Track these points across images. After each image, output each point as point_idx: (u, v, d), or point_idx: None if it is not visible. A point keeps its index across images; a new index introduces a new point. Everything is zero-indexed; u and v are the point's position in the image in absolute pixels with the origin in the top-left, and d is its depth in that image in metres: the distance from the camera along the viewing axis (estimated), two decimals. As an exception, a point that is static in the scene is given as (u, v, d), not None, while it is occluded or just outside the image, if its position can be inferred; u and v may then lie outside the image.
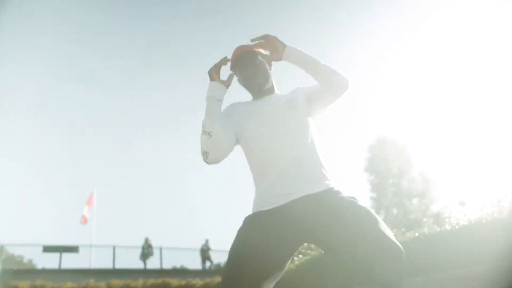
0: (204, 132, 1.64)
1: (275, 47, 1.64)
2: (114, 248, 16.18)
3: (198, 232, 42.72)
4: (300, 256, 4.58)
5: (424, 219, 5.49)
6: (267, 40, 1.65)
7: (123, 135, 37.67)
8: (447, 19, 34.75)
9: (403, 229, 4.35)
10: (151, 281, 11.92)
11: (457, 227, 3.46)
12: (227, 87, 1.77)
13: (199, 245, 19.08)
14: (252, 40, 1.68)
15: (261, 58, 1.74)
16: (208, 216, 39.15)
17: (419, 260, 3.14)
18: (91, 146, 36.03)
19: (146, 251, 16.48)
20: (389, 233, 1.38)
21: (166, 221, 38.39)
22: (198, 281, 13.03)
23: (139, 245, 16.76)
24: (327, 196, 1.53)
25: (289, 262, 1.58)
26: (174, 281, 12.40)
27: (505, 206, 3.90)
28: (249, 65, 1.73)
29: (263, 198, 1.61)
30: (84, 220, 16.90)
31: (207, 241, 19.12)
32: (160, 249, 17.47)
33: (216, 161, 1.69)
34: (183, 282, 12.60)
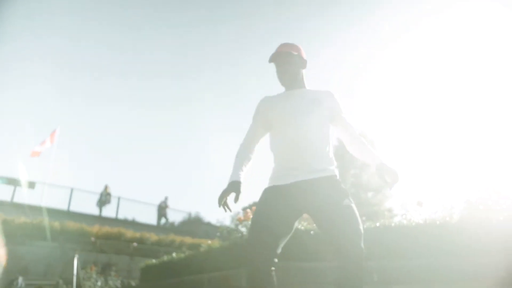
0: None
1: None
2: (71, 190, 15.97)
3: (157, 189, 42.78)
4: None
5: (385, 212, 5.87)
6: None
7: (95, 76, 36.32)
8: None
9: (364, 218, 4.66)
10: (106, 228, 11.98)
11: (413, 224, 3.79)
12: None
13: (157, 201, 19.22)
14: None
15: (295, 58, 2.06)
16: (170, 176, 39.14)
17: (374, 247, 3.45)
18: (54, 83, 34.50)
19: (104, 199, 16.39)
20: (357, 227, 1.79)
21: (129, 173, 38.04)
22: (152, 235, 13.24)
23: (97, 191, 16.66)
24: (328, 182, 1.90)
25: (296, 224, 1.96)
26: (129, 232, 12.53)
27: (456, 213, 4.29)
28: (281, 63, 2.07)
29: (278, 175, 1.96)
30: (35, 154, 15.86)
31: (166, 198, 19.24)
32: (119, 198, 17.43)
33: None
34: (137, 234, 12.75)
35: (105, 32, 35.15)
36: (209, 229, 18.83)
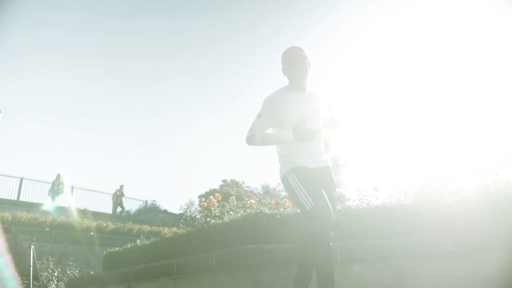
0: (264, 143, 2.50)
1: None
2: (21, 179, 15.18)
3: (112, 178, 41.49)
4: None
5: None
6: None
7: (40, 59, 34.27)
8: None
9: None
10: (62, 218, 11.57)
11: (372, 206, 4.08)
12: None
13: (112, 190, 18.76)
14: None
15: (309, 65, 2.59)
16: (125, 165, 38.06)
17: (337, 229, 3.70)
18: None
19: (57, 188, 15.75)
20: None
21: (81, 162, 36.54)
22: (109, 224, 12.97)
23: (49, 180, 15.95)
24: (331, 171, 2.65)
25: None
26: (85, 221, 12.18)
27: (410, 196, 4.66)
28: (302, 66, 2.52)
29: (301, 161, 2.50)
30: None
31: (121, 186, 18.84)
32: (72, 187, 16.82)
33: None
34: (94, 224, 12.43)
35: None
36: (165, 217, 18.69)
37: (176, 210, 19.57)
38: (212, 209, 5.41)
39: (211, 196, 5.79)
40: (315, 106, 2.56)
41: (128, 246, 6.00)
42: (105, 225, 12.71)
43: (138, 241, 6.00)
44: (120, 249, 6.15)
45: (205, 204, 5.73)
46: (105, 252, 6.43)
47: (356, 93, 39.50)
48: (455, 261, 3.25)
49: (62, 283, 7.95)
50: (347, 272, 3.40)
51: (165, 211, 20.20)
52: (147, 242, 5.65)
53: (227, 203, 5.76)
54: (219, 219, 4.96)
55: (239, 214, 4.36)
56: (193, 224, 5.62)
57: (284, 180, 2.50)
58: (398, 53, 36.78)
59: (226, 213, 5.25)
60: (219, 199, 5.71)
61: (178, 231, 5.48)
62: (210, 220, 5.03)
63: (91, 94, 36.48)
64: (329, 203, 2.28)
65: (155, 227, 13.80)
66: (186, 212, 7.39)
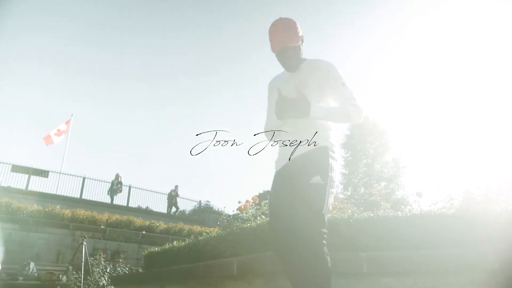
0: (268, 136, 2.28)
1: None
2: (84, 179, 16.28)
3: (168, 178, 43.23)
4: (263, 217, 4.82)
5: (382, 203, 5.79)
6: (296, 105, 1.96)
7: (109, 70, 36.65)
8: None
9: (361, 208, 4.61)
10: (116, 216, 12.20)
11: (408, 214, 3.72)
12: None
13: (167, 190, 19.44)
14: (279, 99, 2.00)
15: (295, 50, 2.08)
16: (181, 165, 39.42)
17: (364, 237, 3.41)
18: (72, 75, 34.96)
19: (115, 187, 16.67)
20: (318, 209, 1.81)
21: (140, 162, 38.52)
22: (161, 224, 13.43)
23: (109, 180, 16.94)
24: (312, 154, 1.98)
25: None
26: (138, 220, 12.73)
27: (455, 204, 4.20)
28: (288, 59, 2.09)
29: (277, 160, 2.15)
30: (49, 141, 16.01)
31: (176, 187, 19.45)
32: (129, 187, 17.70)
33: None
34: (147, 223, 12.95)
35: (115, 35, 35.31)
36: (218, 218, 18.98)
37: (231, 211, 19.78)
38: (244, 212, 5.32)
39: (250, 199, 5.71)
40: (304, 79, 2.08)
41: (166, 247, 6.09)
42: (157, 224, 13.19)
43: (175, 242, 6.07)
44: (159, 249, 6.26)
45: (242, 207, 5.66)
46: (146, 252, 6.60)
47: (403, 93, 37.40)
48: (496, 277, 2.83)
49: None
50: (374, 286, 3.12)
51: (218, 212, 20.55)
52: (182, 243, 5.69)
53: (265, 205, 5.64)
54: (254, 222, 4.86)
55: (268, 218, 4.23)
56: (228, 226, 5.58)
57: None
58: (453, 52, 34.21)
59: (258, 217, 5.13)
60: (257, 201, 5.61)
61: (211, 234, 5.45)
62: (241, 223, 4.95)
63: (148, 103, 38.35)
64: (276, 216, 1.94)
65: (206, 228, 14.06)
66: (224, 214, 7.37)
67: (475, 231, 3.21)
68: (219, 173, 42.33)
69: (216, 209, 21.00)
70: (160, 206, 19.05)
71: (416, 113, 36.78)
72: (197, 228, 13.90)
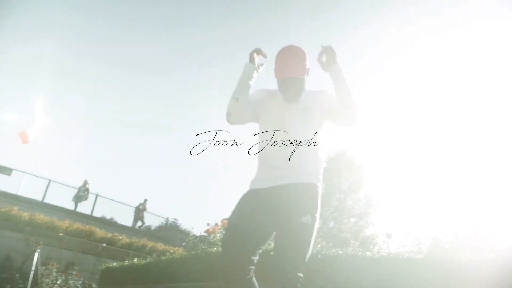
0: (233, 97, 2.00)
1: (329, 59, 2.05)
2: (49, 181, 15.62)
3: (138, 190, 42.14)
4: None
5: (352, 241, 5.77)
6: (327, 51, 2.04)
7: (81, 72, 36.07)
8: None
9: (331, 244, 4.55)
10: (78, 224, 11.65)
11: (376, 255, 3.69)
12: (257, 72, 2.14)
13: (136, 203, 18.89)
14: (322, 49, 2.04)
15: (301, 82, 2.01)
16: (152, 179, 38.63)
17: (331, 273, 3.35)
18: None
19: (81, 194, 16.05)
20: (303, 252, 1.72)
21: (109, 171, 37.46)
22: (124, 237, 12.92)
23: (76, 186, 16.32)
24: (303, 189, 1.84)
25: (273, 234, 1.87)
26: (100, 231, 12.19)
27: (423, 249, 4.20)
28: (290, 89, 2.00)
29: (258, 179, 1.94)
30: (25, 140, 15.07)
31: (145, 201, 18.91)
32: (96, 195, 17.10)
33: (236, 122, 2.03)
34: (109, 235, 12.42)
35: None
36: (184, 238, 18.49)
37: (199, 232, 19.34)
38: (212, 236, 5.18)
39: (219, 222, 5.58)
40: (308, 107, 2.01)
41: (125, 263, 5.83)
42: (120, 237, 12.67)
43: (136, 259, 5.82)
44: (118, 265, 5.99)
45: (210, 229, 5.52)
46: (103, 266, 6.29)
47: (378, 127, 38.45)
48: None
49: (63, 292, 7.86)
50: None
51: (185, 231, 20.03)
52: (143, 261, 5.46)
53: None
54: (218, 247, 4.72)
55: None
56: (194, 248, 5.40)
57: None
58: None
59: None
60: (226, 225, 5.48)
61: (175, 254, 5.26)
62: (207, 247, 4.80)
63: (127, 106, 37.81)
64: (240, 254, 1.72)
65: (170, 247, 13.63)
66: (191, 234, 7.16)
67: (440, 279, 3.22)
68: (192, 191, 41.60)
69: (183, 229, 20.49)
70: (126, 218, 18.42)
71: (393, 152, 37.67)
72: (161, 246, 13.45)
